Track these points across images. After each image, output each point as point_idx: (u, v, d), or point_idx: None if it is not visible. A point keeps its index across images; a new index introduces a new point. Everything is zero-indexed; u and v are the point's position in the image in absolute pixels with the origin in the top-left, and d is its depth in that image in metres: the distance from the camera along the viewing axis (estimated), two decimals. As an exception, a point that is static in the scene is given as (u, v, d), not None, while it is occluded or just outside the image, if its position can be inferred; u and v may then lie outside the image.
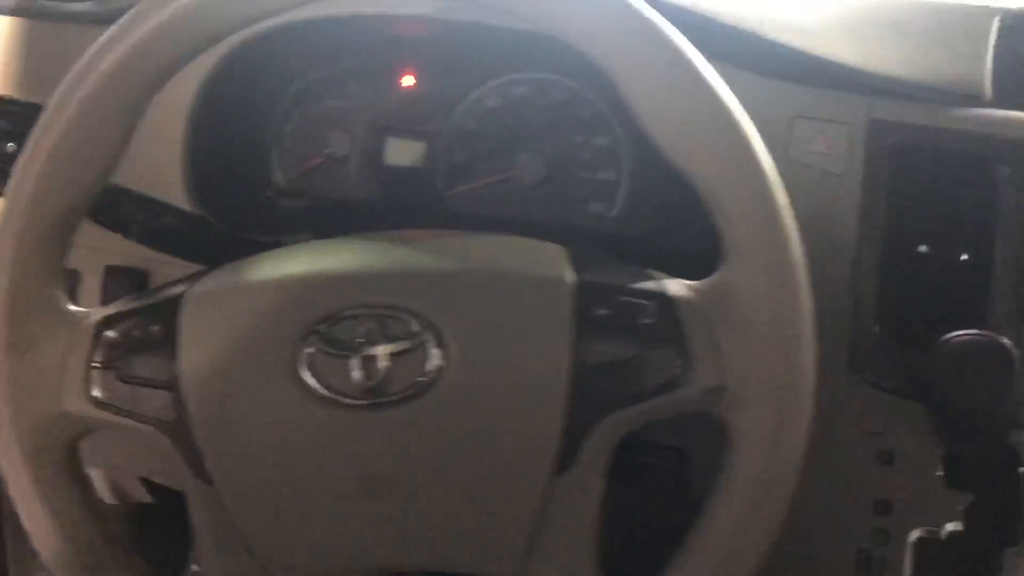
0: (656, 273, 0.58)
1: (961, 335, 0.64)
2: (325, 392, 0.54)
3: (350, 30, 0.85)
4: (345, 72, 0.89)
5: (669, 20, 0.74)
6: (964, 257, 0.73)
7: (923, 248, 0.73)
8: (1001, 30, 0.79)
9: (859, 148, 0.74)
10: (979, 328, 0.70)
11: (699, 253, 0.76)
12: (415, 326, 0.55)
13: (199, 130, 0.82)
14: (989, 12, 0.80)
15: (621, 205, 0.87)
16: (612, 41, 0.54)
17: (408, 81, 0.89)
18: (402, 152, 0.89)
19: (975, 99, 0.75)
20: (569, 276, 0.56)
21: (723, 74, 0.75)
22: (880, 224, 0.74)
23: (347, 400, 0.54)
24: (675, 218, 0.83)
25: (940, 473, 0.73)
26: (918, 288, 0.73)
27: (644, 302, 0.55)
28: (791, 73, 0.76)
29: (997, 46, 0.78)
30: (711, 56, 0.75)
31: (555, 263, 0.57)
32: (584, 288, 0.56)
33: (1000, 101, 0.75)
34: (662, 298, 0.56)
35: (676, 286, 0.56)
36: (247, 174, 0.88)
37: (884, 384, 0.73)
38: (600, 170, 0.87)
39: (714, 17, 0.77)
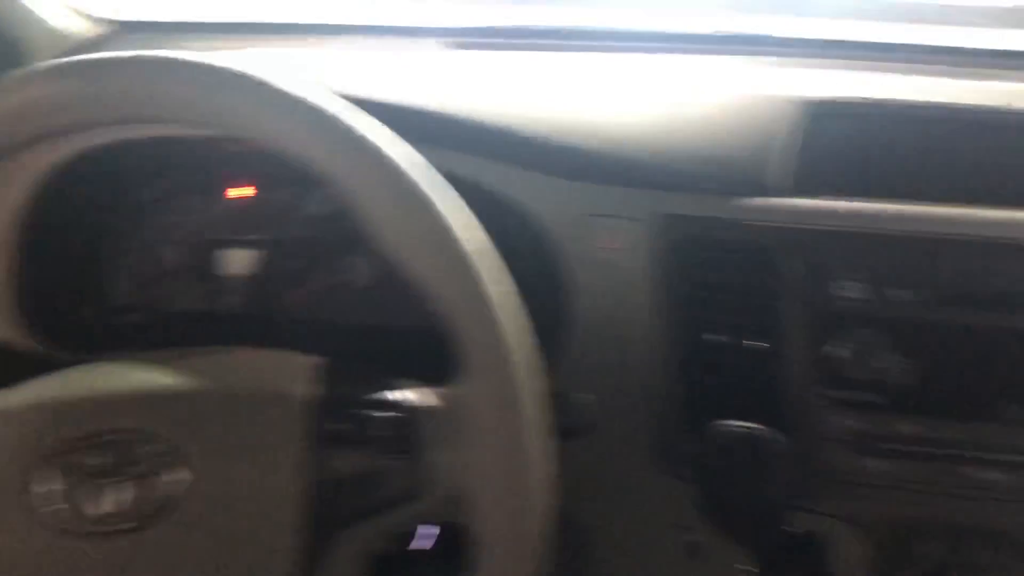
0: (404, 381, 0.59)
1: (725, 424, 0.65)
2: (59, 520, 0.54)
3: (179, 147, 0.88)
4: (177, 186, 0.91)
5: (451, 133, 0.77)
6: (756, 344, 0.73)
7: (716, 337, 0.74)
8: (804, 118, 0.81)
9: (651, 242, 0.76)
10: (771, 414, 0.71)
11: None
12: (155, 448, 0.55)
13: (25, 250, 0.83)
14: (786, 102, 0.83)
15: None
16: (332, 158, 0.55)
17: (239, 192, 0.91)
18: (236, 262, 0.91)
19: (766, 188, 0.76)
20: (305, 391, 0.57)
21: (516, 177, 0.78)
22: (674, 316, 0.75)
23: (81, 528, 0.54)
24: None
25: (747, 567, 0.73)
26: (713, 377, 0.74)
27: (381, 413, 0.56)
28: (583, 173, 0.78)
29: (802, 135, 0.80)
30: (504, 162, 0.78)
31: (296, 378, 0.58)
32: (319, 403, 0.56)
33: (799, 190, 0.77)
34: (399, 408, 0.56)
35: (417, 395, 0.57)
36: (79, 292, 0.89)
37: (686, 474, 0.73)
38: None
39: (505, 125, 0.79)
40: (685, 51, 1.07)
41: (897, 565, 0.71)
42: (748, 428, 0.64)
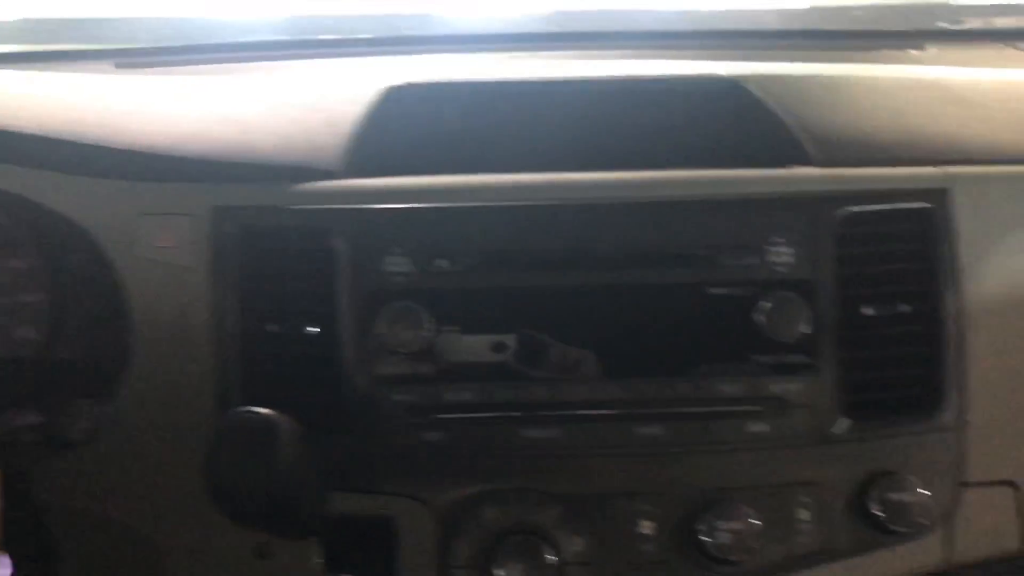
0: None
1: (233, 411, 0.62)
2: None
3: None
4: None
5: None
6: (313, 329, 0.72)
7: (273, 325, 0.72)
8: (369, 105, 0.80)
9: (205, 237, 0.73)
10: (332, 397, 0.70)
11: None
12: None
13: None
14: (356, 90, 0.83)
15: (49, 327, 0.83)
16: None
17: None
18: None
19: (324, 173, 0.75)
20: None
21: (59, 182, 0.74)
22: (235, 309, 0.72)
23: None
24: (102, 336, 0.80)
25: (320, 560, 0.71)
26: (274, 366, 0.72)
27: None
28: (132, 171, 0.75)
29: (362, 120, 0.79)
30: (48, 169, 0.75)
31: None
32: None
33: (356, 172, 0.75)
34: None
35: None
36: None
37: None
38: (22, 294, 0.84)
39: (49, 132, 0.75)
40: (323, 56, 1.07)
41: (459, 533, 0.70)
42: (256, 414, 0.61)
